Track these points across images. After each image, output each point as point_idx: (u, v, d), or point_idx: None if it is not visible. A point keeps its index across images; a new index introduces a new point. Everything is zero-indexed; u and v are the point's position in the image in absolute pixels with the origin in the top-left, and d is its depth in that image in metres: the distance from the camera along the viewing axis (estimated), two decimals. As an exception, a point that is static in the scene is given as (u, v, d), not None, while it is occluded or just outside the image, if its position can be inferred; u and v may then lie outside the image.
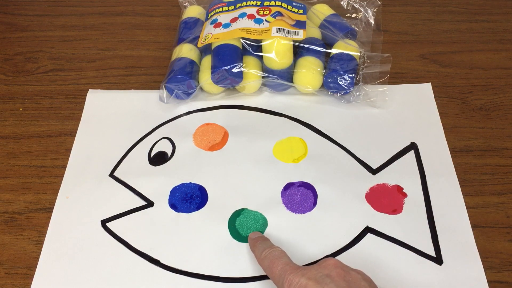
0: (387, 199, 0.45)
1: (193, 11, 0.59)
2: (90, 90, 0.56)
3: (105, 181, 0.47)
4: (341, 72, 0.51)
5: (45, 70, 0.59)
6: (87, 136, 0.51)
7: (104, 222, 0.45)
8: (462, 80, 0.56)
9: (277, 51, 0.50)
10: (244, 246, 0.43)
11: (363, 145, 0.49)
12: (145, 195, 0.46)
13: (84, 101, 0.55)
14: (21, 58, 0.60)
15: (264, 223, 0.44)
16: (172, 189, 0.47)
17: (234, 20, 0.53)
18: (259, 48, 0.52)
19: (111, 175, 0.48)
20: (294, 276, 0.34)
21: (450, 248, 0.42)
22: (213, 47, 0.52)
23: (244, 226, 0.44)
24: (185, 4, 0.62)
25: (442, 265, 0.41)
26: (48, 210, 0.46)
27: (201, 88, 0.53)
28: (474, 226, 0.44)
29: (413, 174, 0.47)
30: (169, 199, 0.46)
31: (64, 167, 0.49)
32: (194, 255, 0.42)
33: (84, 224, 0.45)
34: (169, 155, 0.49)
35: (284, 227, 0.44)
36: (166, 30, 0.63)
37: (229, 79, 0.51)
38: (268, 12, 0.53)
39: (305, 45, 0.52)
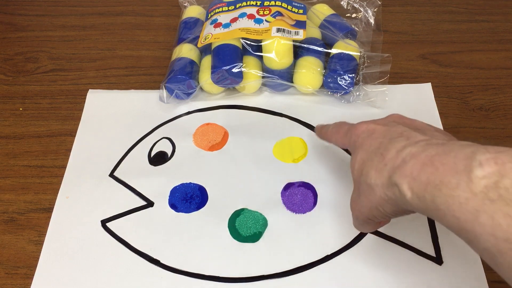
0: (387, 199, 0.45)
1: (193, 11, 0.59)
2: (90, 90, 0.56)
3: (105, 181, 0.47)
4: (341, 72, 0.51)
5: (45, 70, 0.59)
6: (87, 136, 0.51)
7: (104, 222, 0.45)
8: (462, 80, 0.56)
9: (277, 51, 0.50)
10: (244, 246, 0.43)
11: (363, 145, 0.49)
12: (145, 195, 0.46)
13: (84, 101, 0.55)
14: (21, 58, 0.60)
15: (264, 223, 0.44)
16: (172, 189, 0.47)
17: (234, 20, 0.53)
18: (259, 48, 0.52)
19: (111, 175, 0.48)
20: (363, 123, 0.36)
21: (450, 248, 0.42)
22: (213, 47, 0.52)
23: (244, 226, 0.44)
24: (185, 4, 0.62)
25: (442, 265, 0.41)
26: (48, 210, 0.46)
27: (201, 88, 0.53)
28: (474, 226, 0.43)
29: (413, 174, 0.47)
30: (169, 199, 0.46)
31: (64, 167, 0.49)
32: (194, 255, 0.42)
33: (84, 224, 0.45)
34: (169, 155, 0.49)
35: (284, 227, 0.44)
36: (166, 30, 0.63)
37: (229, 79, 0.51)
38: (268, 12, 0.53)
39: (305, 45, 0.52)
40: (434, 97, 0.54)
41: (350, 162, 0.35)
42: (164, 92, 0.52)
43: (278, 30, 0.51)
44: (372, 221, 0.35)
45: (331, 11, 0.58)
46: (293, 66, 0.52)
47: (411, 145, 0.30)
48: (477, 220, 0.24)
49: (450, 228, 0.27)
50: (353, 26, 0.57)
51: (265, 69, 0.52)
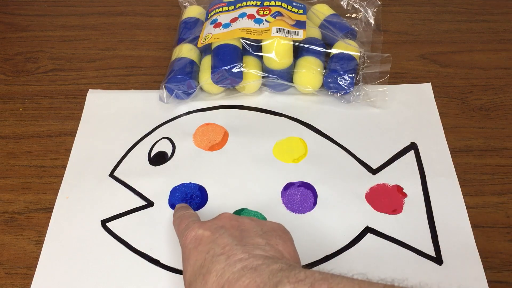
0: (387, 199, 0.45)
1: (193, 11, 0.59)
2: (90, 90, 0.56)
3: (105, 181, 0.47)
4: (341, 72, 0.51)
5: (45, 70, 0.59)
6: (87, 136, 0.51)
7: (104, 222, 0.45)
8: (462, 80, 0.56)
9: (277, 51, 0.50)
10: (244, 246, 0.43)
11: (363, 145, 0.49)
12: (145, 195, 0.46)
13: (84, 101, 0.55)
14: (21, 58, 0.60)
15: (264, 223, 0.44)
16: (172, 189, 0.47)
17: (234, 20, 0.53)
18: (259, 48, 0.52)
19: (111, 175, 0.48)
20: (192, 230, 0.36)
21: (450, 248, 0.42)
22: (213, 47, 0.52)
23: (244, 226, 0.44)
24: (185, 4, 0.62)
25: (442, 265, 0.41)
26: (48, 210, 0.46)
27: (201, 88, 0.53)
28: (474, 226, 0.43)
29: (413, 174, 0.47)
30: (169, 199, 0.46)
31: (64, 167, 0.49)
32: (194, 255, 0.42)
33: (84, 224, 0.45)
34: (169, 155, 0.49)
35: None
36: (166, 30, 0.63)
37: (229, 79, 0.51)
38: (268, 12, 0.53)
39: (305, 45, 0.52)
40: (434, 97, 0.54)
41: (183, 273, 0.36)
42: (164, 92, 0.52)
43: (278, 30, 0.51)
44: None
45: (331, 11, 0.58)
46: (293, 66, 0.52)
47: (230, 267, 0.31)
48: None
49: None
50: (353, 26, 0.57)
51: (265, 69, 0.52)
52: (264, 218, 0.44)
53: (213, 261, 0.33)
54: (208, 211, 0.45)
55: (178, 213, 0.41)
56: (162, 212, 0.45)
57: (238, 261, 0.32)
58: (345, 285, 0.26)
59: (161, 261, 0.42)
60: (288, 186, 0.46)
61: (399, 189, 0.46)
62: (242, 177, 0.47)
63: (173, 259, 0.42)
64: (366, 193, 0.46)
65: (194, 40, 0.55)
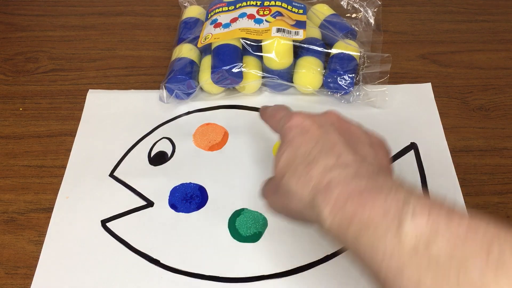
0: (387, 199, 0.45)
1: (193, 11, 0.59)
2: (90, 90, 0.56)
3: (105, 181, 0.47)
4: (341, 72, 0.51)
5: (45, 70, 0.59)
6: (87, 136, 0.51)
7: (104, 222, 0.45)
8: (462, 80, 0.56)
9: (277, 51, 0.50)
10: (244, 246, 0.43)
11: (363, 145, 0.49)
12: (145, 195, 0.46)
13: (84, 101, 0.55)
14: (21, 58, 0.60)
15: (264, 223, 0.44)
16: (172, 189, 0.47)
17: (234, 20, 0.53)
18: (259, 48, 0.52)
19: (111, 175, 0.48)
20: (297, 117, 0.33)
21: (450, 248, 0.42)
22: (213, 47, 0.52)
23: (244, 226, 0.44)
24: (185, 4, 0.62)
25: (442, 265, 0.41)
26: (48, 210, 0.46)
27: (201, 88, 0.53)
28: (474, 226, 0.43)
29: (413, 174, 0.47)
30: (169, 199, 0.46)
31: (64, 167, 0.49)
32: (194, 255, 0.42)
33: (84, 224, 0.45)
34: (169, 155, 0.49)
35: (284, 227, 0.44)
36: (166, 30, 0.63)
37: (229, 79, 0.51)
38: (268, 12, 0.53)
39: (305, 45, 0.52)
40: (434, 97, 0.54)
41: (276, 155, 0.33)
42: (164, 92, 0.52)
43: (278, 30, 0.51)
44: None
45: (331, 11, 0.58)
46: (293, 66, 0.52)
47: (340, 167, 0.29)
48: (400, 275, 0.23)
49: (365, 267, 0.26)
50: (353, 26, 0.57)
51: (265, 69, 0.52)
52: (264, 218, 0.44)
53: (321, 154, 0.30)
54: (208, 211, 0.45)
55: (271, 106, 0.39)
56: (162, 212, 0.45)
57: (349, 163, 0.29)
58: (489, 223, 0.22)
59: (161, 261, 0.42)
60: (288, 186, 0.46)
61: (399, 189, 0.46)
62: (242, 177, 0.47)
63: (173, 259, 0.42)
64: (366, 193, 0.46)
65: (194, 40, 0.55)
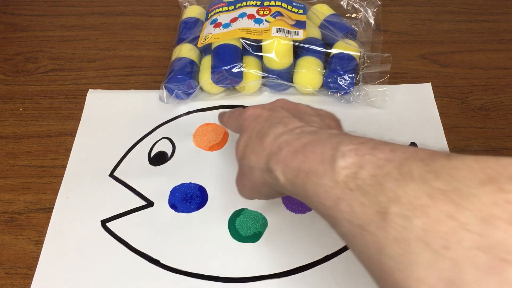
0: (387, 199, 0.45)
1: (193, 11, 0.59)
2: (90, 90, 0.56)
3: (105, 181, 0.47)
4: (341, 72, 0.51)
5: (45, 70, 0.59)
6: (87, 136, 0.51)
7: (104, 222, 0.45)
8: (462, 80, 0.56)
9: (277, 51, 0.50)
10: (244, 246, 0.43)
11: (363, 145, 0.49)
12: (145, 195, 0.46)
13: (84, 101, 0.55)
14: (21, 58, 0.60)
15: (264, 223, 0.44)
16: (172, 189, 0.47)
17: (234, 20, 0.53)
18: (259, 48, 0.52)
19: (111, 175, 0.48)
20: (249, 109, 0.38)
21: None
22: (213, 47, 0.52)
23: (244, 226, 0.44)
24: (185, 4, 0.62)
25: (442, 265, 0.41)
26: (48, 210, 0.46)
27: (201, 88, 0.53)
28: (474, 226, 0.43)
29: (413, 174, 0.47)
30: (169, 199, 0.46)
31: (64, 167, 0.49)
32: (194, 255, 0.42)
33: (84, 224, 0.45)
34: (169, 155, 0.49)
35: (284, 227, 0.44)
36: (166, 30, 0.63)
37: (229, 79, 0.51)
38: (268, 12, 0.53)
39: (305, 45, 0.52)
40: (434, 97, 0.54)
41: (235, 144, 0.37)
42: (164, 92, 0.52)
43: (278, 30, 0.51)
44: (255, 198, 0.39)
45: (331, 11, 0.58)
46: (293, 66, 0.52)
47: (288, 132, 0.32)
48: (337, 207, 0.26)
49: (318, 212, 0.29)
50: (353, 26, 0.57)
51: (265, 69, 0.52)
52: (264, 218, 0.44)
53: (270, 127, 0.33)
54: (208, 211, 0.45)
55: (227, 111, 0.44)
56: (162, 212, 0.45)
57: (296, 128, 0.32)
58: (406, 149, 0.26)
59: (161, 261, 0.42)
60: (288, 186, 0.46)
61: (399, 189, 0.46)
62: (242, 177, 0.47)
63: (173, 259, 0.42)
64: (366, 193, 0.46)
65: (194, 40, 0.55)
